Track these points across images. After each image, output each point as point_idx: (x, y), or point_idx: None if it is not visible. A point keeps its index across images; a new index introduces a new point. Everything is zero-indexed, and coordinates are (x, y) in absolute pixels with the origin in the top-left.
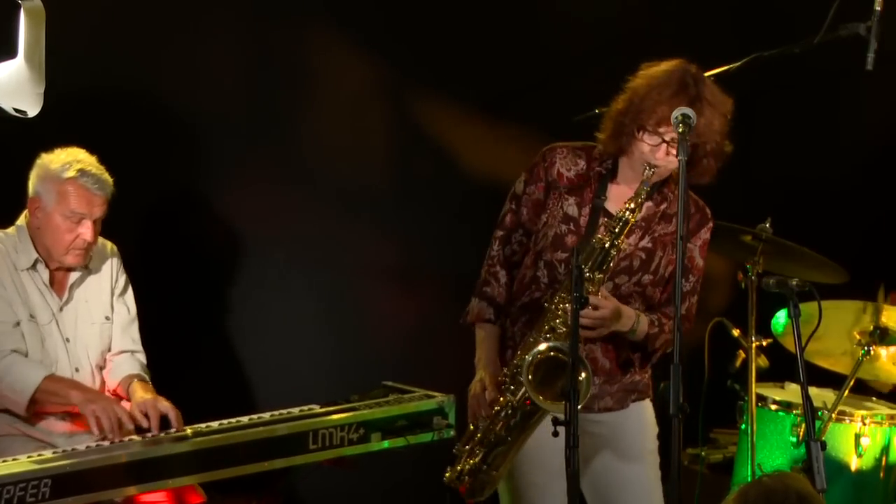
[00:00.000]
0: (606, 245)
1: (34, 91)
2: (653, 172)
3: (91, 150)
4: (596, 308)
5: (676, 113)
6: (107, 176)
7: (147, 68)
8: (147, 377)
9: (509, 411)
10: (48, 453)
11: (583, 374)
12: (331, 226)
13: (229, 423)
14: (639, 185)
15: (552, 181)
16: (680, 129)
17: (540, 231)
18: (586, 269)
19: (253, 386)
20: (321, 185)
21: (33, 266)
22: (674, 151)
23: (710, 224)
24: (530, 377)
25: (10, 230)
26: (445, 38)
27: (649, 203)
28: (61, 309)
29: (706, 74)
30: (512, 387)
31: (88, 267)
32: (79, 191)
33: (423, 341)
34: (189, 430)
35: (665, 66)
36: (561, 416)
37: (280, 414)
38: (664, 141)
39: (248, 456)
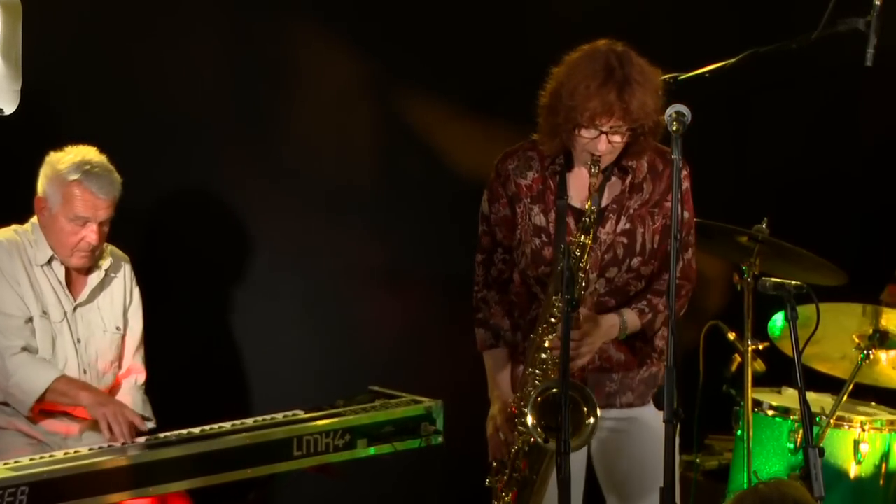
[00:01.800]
0: (577, 253)
1: (11, 88)
2: (598, 160)
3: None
4: (580, 326)
5: (670, 111)
6: (115, 176)
7: (123, 64)
8: (146, 411)
9: (526, 449)
10: (25, 460)
11: (591, 420)
12: (316, 226)
13: (211, 429)
14: (591, 180)
15: (513, 195)
16: (674, 128)
17: (518, 249)
18: (559, 297)
19: (236, 391)
20: (306, 184)
21: (49, 262)
22: (614, 139)
23: (685, 171)
24: (534, 422)
25: (27, 226)
26: (434, 34)
27: (613, 181)
28: (75, 309)
29: (702, 71)
30: (524, 420)
31: (108, 272)
32: (84, 194)
33: (410, 345)
34: (171, 436)
35: (587, 50)
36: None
37: (263, 419)
38: (602, 132)
39: (231, 463)
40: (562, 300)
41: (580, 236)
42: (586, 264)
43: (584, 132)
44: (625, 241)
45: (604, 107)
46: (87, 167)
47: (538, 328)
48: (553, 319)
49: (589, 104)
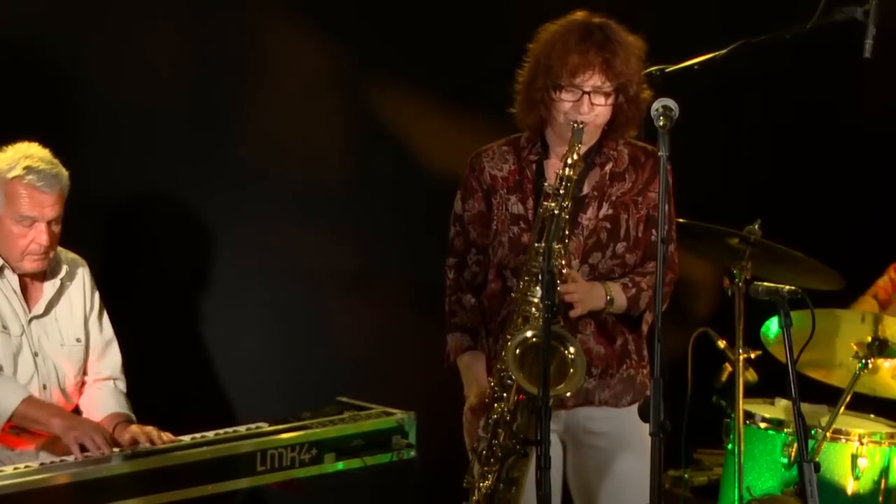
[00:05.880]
0: (556, 211)
1: None
2: (582, 127)
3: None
4: (566, 281)
5: (657, 105)
6: (60, 170)
7: (74, 55)
8: (132, 415)
9: (507, 418)
10: None
11: (571, 350)
12: (282, 228)
13: (170, 442)
14: (571, 138)
15: (488, 188)
16: (661, 123)
17: (494, 241)
18: (542, 245)
19: (196, 402)
20: (271, 183)
21: (0, 272)
22: (598, 101)
23: (668, 166)
24: (518, 368)
25: None
26: (408, 24)
27: (594, 169)
28: (30, 321)
29: (691, 63)
30: (504, 394)
31: (63, 282)
32: (27, 191)
33: (381, 354)
34: (127, 451)
35: (564, 19)
36: (558, 400)
37: (225, 433)
38: (584, 92)
39: (191, 478)
40: (542, 304)
41: (553, 201)
42: (565, 235)
43: (564, 94)
44: (608, 226)
45: (583, 60)
46: (29, 162)
47: (518, 285)
48: (536, 270)
49: (568, 59)
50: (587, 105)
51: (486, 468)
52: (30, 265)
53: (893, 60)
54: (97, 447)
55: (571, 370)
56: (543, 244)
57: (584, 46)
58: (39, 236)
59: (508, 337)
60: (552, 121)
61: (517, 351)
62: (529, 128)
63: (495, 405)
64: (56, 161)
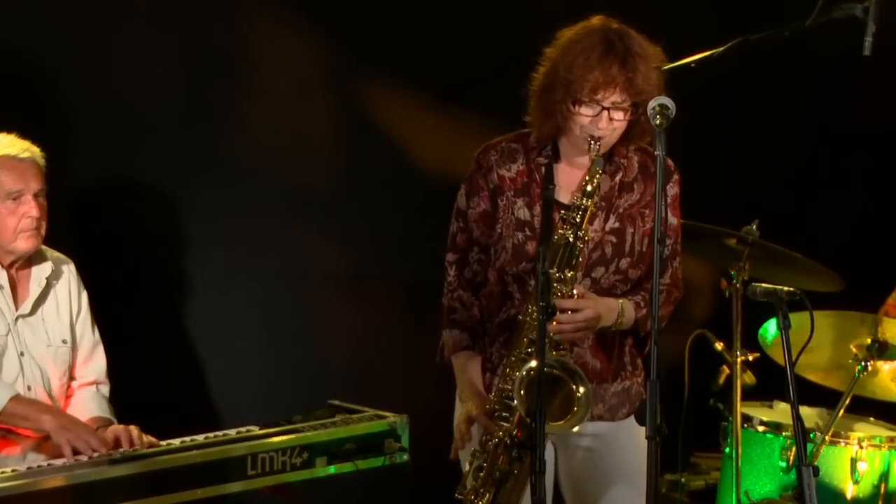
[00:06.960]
0: (570, 239)
1: None
2: (598, 146)
3: None
4: (576, 311)
5: (653, 104)
6: (31, 145)
7: (64, 53)
8: (113, 419)
9: (508, 442)
10: None
11: (581, 390)
12: (272, 229)
13: (158, 446)
14: (590, 167)
15: (495, 187)
16: (657, 122)
17: (497, 244)
18: (555, 272)
19: (185, 405)
20: (261, 183)
21: None
22: (616, 116)
23: (676, 177)
24: (523, 399)
25: None
26: (401, 20)
27: (603, 178)
28: (17, 320)
29: (688, 61)
30: (505, 414)
31: (49, 282)
32: (8, 164)
33: (374, 356)
34: (115, 454)
35: (583, 27)
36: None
37: (215, 436)
38: (604, 108)
39: (181, 482)
40: (537, 308)
41: (567, 229)
42: (577, 259)
43: (583, 109)
44: (613, 240)
45: (606, 78)
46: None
47: (527, 307)
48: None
49: (590, 76)
50: (605, 121)
51: (482, 488)
52: (24, 244)
53: (893, 58)
54: (91, 449)
55: (575, 408)
56: (554, 272)
57: (607, 63)
58: (30, 209)
59: (513, 358)
60: (568, 131)
61: (522, 381)
62: (544, 136)
63: (497, 429)
64: (26, 141)
